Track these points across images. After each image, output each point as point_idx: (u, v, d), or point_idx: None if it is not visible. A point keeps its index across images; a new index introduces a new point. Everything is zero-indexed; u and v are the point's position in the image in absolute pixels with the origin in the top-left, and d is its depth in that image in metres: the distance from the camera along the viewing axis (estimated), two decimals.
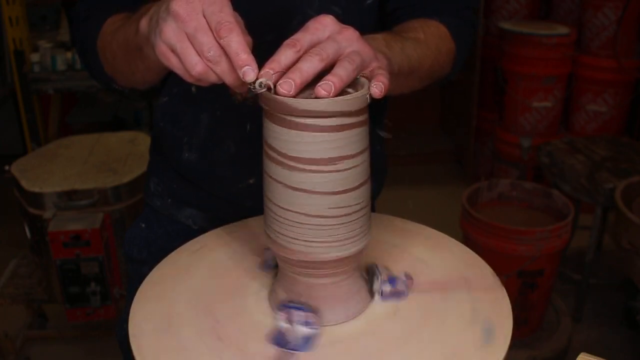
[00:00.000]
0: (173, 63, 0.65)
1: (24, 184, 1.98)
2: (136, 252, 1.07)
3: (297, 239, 0.66)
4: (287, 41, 0.64)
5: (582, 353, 0.66)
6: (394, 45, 0.78)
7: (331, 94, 0.61)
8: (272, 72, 0.61)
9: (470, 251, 0.83)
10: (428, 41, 0.87)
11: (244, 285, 0.76)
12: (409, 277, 0.75)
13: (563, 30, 2.89)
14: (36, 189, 1.96)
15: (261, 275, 0.78)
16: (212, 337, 0.67)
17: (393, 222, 0.89)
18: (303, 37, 0.64)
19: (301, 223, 0.65)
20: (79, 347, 2.21)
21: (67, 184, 1.98)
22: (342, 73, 0.62)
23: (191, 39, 0.63)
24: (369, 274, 0.75)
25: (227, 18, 0.62)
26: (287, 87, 0.61)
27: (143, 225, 1.08)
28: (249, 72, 0.61)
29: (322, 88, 0.61)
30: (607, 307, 2.41)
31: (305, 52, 0.63)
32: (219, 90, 0.90)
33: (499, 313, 0.70)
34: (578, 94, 3.06)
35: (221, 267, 0.80)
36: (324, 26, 0.66)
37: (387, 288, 0.73)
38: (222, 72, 0.63)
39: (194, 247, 0.84)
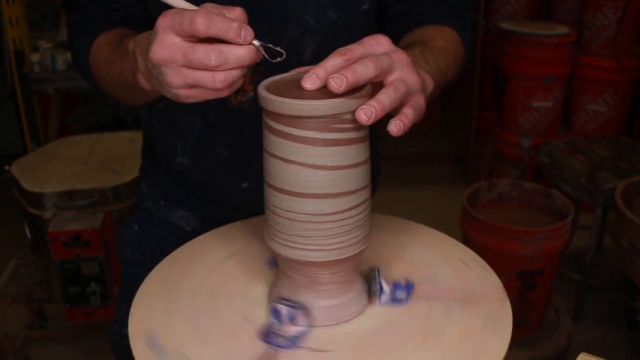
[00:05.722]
0: (201, 95, 0.65)
1: (24, 184, 1.98)
2: (128, 253, 1.07)
3: (297, 240, 0.66)
4: (339, 49, 0.63)
5: (582, 353, 0.66)
6: (431, 62, 0.78)
7: (370, 121, 0.60)
8: (315, 77, 0.61)
9: (470, 251, 0.83)
10: (449, 49, 0.87)
11: (244, 284, 0.76)
12: (410, 284, 0.74)
13: (563, 30, 2.89)
14: (36, 189, 1.96)
15: (262, 275, 0.78)
16: (209, 334, 0.68)
17: (393, 222, 0.89)
18: (356, 48, 0.63)
19: (301, 224, 0.65)
20: (79, 347, 2.21)
21: (67, 184, 1.98)
22: (385, 101, 0.61)
23: (191, 65, 0.62)
24: (369, 277, 0.74)
25: (196, 17, 0.60)
26: (338, 81, 0.59)
27: (135, 226, 1.08)
28: (247, 33, 0.60)
29: (363, 112, 0.60)
30: (607, 307, 2.41)
31: (356, 61, 0.62)
32: None
33: (499, 316, 0.70)
34: (578, 94, 3.06)
35: (222, 267, 0.80)
36: (379, 44, 0.65)
37: (385, 294, 0.72)
38: (236, 60, 0.61)
39: (194, 248, 0.84)
